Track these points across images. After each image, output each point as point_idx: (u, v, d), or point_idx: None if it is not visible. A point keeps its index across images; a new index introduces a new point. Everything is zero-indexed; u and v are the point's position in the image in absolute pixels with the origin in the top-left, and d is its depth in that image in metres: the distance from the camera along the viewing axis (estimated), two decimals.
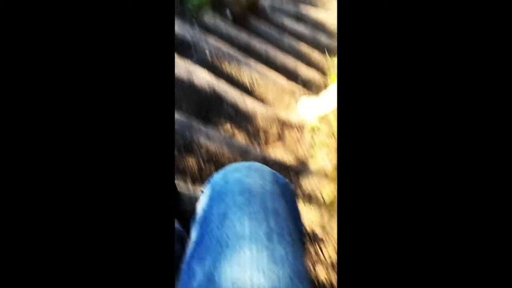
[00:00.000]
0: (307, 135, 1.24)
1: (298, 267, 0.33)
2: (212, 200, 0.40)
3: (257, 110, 1.26)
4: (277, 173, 0.45)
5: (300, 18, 2.04)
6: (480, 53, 0.29)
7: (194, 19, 1.60)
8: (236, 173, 0.42)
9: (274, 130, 1.23)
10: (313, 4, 2.28)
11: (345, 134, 0.32)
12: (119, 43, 0.31)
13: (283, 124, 1.26)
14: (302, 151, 1.21)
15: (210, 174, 1.02)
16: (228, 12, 1.73)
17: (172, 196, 0.88)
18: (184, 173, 0.98)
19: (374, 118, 0.31)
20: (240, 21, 1.73)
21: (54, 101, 0.29)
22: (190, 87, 1.27)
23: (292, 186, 0.47)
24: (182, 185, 0.92)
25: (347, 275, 0.30)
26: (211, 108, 1.25)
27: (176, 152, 1.01)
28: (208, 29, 1.59)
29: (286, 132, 1.24)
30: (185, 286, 0.32)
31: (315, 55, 1.74)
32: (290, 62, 1.60)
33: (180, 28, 1.48)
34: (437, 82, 0.30)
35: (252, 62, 1.45)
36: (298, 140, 1.22)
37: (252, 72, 1.41)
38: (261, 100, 1.36)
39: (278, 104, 1.37)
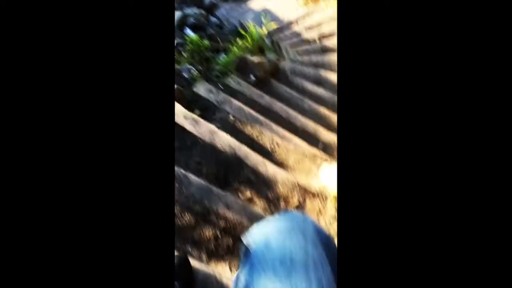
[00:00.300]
0: (329, 206, 1.18)
1: None
2: (253, 268, 0.39)
3: (277, 175, 1.23)
4: (319, 227, 0.45)
5: (320, 81, 2.10)
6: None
7: (219, 83, 1.67)
8: (278, 236, 0.42)
9: (295, 199, 1.17)
10: (332, 69, 2.38)
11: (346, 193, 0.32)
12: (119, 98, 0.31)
13: (304, 192, 1.21)
14: (324, 223, 1.13)
15: (226, 248, 0.96)
16: (251, 75, 1.80)
17: (186, 273, 0.81)
18: (199, 246, 0.92)
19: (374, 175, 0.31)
20: (262, 84, 1.80)
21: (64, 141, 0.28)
22: (212, 149, 1.27)
23: (334, 240, 0.46)
24: (196, 262, 0.85)
25: None
26: (232, 171, 1.22)
27: (193, 221, 0.96)
28: (232, 92, 1.64)
29: (308, 201, 1.18)
30: None
31: (335, 118, 1.75)
32: (310, 125, 1.60)
33: (205, 91, 1.54)
34: (430, 129, 0.30)
35: (274, 125, 1.46)
36: (320, 211, 1.15)
37: (273, 136, 1.41)
38: (281, 164, 1.33)
39: (299, 170, 1.33)
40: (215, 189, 1.06)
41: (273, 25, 2.60)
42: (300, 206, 1.17)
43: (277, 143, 1.40)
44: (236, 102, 1.52)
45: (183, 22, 3.44)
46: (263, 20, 2.46)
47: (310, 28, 2.89)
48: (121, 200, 0.29)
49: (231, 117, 1.45)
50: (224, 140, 1.28)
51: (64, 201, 0.28)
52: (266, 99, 1.67)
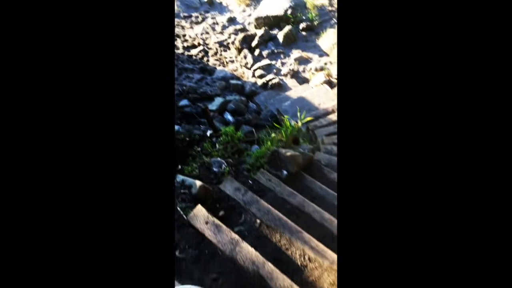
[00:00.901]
0: None
1: None
2: None
3: None
4: None
5: None
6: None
7: (249, 178, 1.60)
8: None
9: None
10: None
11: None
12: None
13: None
14: None
15: None
16: (283, 170, 1.72)
17: None
18: None
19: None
20: (294, 180, 1.69)
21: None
22: (232, 264, 1.11)
23: None
24: None
25: None
26: None
27: None
28: (261, 189, 1.54)
29: None
30: None
31: None
32: None
33: (232, 189, 1.46)
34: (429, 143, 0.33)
35: (305, 234, 1.28)
36: None
37: (304, 247, 1.22)
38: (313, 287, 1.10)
39: None
40: None
41: (309, 118, 2.63)
42: None
43: (309, 258, 1.20)
44: (264, 204, 1.39)
45: (224, 107, 3.67)
46: (298, 114, 2.50)
47: None
48: None
49: (258, 221, 1.32)
50: (247, 253, 1.12)
51: None
52: (297, 199, 1.53)
